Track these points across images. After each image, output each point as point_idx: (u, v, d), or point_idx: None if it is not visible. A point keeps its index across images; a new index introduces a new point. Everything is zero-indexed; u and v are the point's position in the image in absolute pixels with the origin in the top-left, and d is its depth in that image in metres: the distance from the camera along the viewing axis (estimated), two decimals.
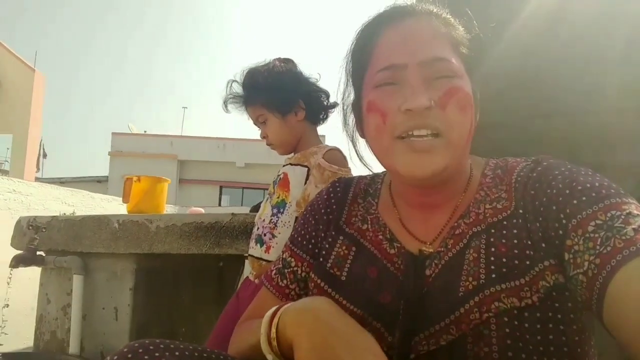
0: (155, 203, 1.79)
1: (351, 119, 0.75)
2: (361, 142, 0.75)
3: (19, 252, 1.73)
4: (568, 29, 1.58)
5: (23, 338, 1.85)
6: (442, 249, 0.64)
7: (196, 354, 0.61)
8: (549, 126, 1.54)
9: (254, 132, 1.46)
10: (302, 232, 0.79)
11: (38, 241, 1.67)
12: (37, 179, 12.09)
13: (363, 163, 0.78)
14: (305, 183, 1.27)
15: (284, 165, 1.40)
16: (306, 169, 1.29)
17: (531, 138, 1.56)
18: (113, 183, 19.05)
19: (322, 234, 0.76)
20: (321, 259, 0.73)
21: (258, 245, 1.30)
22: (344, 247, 0.72)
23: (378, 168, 0.75)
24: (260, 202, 1.85)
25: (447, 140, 0.59)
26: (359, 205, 0.77)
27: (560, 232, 0.55)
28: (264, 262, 1.27)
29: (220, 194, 20.28)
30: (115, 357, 0.56)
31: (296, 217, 1.25)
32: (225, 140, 19.93)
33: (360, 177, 0.81)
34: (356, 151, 0.77)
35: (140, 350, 0.58)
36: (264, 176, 17.23)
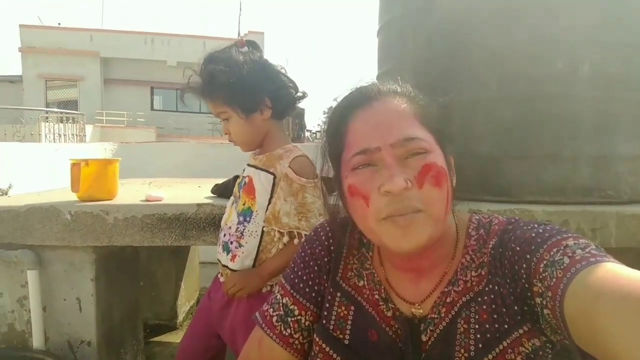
0: (108, 187, 1.65)
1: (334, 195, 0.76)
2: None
3: None
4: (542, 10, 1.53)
5: None
6: (436, 316, 0.67)
7: None
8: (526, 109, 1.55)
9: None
10: (304, 277, 0.77)
11: None
12: None
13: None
14: (272, 191, 1.22)
15: (248, 165, 1.33)
16: (272, 176, 1.23)
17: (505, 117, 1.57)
18: (29, 83, 17.28)
19: (325, 284, 0.76)
20: (324, 321, 0.74)
21: (225, 252, 1.27)
22: (342, 307, 0.73)
23: None
24: (222, 183, 1.79)
25: (428, 214, 0.61)
26: (354, 257, 0.77)
27: (527, 285, 0.59)
28: (229, 271, 1.26)
29: (152, 95, 19.05)
30: None
31: (263, 229, 1.22)
32: (153, 36, 18.26)
33: (355, 224, 0.79)
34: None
35: None
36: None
